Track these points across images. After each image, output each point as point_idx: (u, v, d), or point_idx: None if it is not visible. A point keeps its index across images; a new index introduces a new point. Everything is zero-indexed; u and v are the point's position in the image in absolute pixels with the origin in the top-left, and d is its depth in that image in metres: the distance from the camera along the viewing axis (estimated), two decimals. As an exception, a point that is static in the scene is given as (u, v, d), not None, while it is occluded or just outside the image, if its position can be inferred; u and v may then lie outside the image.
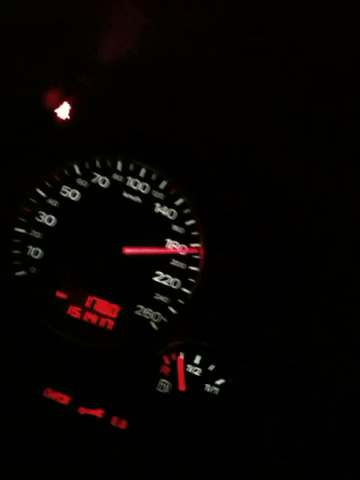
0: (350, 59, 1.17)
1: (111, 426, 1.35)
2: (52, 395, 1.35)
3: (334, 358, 1.49)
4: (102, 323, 1.45)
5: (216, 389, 1.46)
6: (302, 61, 1.22)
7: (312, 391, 1.47)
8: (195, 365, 1.46)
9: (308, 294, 1.53)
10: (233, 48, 1.27)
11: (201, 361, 1.46)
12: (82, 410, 1.36)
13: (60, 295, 1.44)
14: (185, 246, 1.51)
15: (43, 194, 1.46)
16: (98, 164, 1.50)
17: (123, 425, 1.37)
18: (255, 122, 1.42)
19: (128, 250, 1.46)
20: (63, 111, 1.50)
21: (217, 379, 1.46)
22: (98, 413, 1.36)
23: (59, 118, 1.49)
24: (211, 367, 1.46)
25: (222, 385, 1.46)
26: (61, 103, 1.49)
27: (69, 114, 1.50)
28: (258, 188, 1.52)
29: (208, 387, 1.45)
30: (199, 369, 1.46)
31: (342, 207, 1.46)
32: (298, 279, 1.53)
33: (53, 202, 1.46)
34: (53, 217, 1.46)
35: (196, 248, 1.50)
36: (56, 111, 1.49)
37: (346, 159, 1.39)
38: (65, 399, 1.35)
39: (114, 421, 1.37)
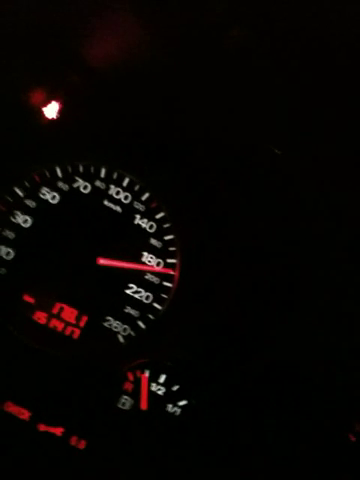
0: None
1: (70, 446, 1.31)
2: (13, 409, 1.30)
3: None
4: (68, 331, 1.41)
5: (178, 410, 1.42)
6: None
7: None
8: (159, 384, 1.43)
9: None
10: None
11: (165, 380, 1.43)
12: (42, 427, 1.31)
13: (27, 299, 1.40)
14: (161, 261, 1.48)
15: (21, 194, 1.42)
16: (81, 169, 1.46)
17: (82, 445, 1.33)
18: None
19: (102, 261, 1.42)
20: (50, 110, 1.46)
21: (180, 400, 1.43)
22: (57, 431, 1.31)
23: (46, 117, 1.45)
24: (175, 387, 1.43)
25: (184, 406, 1.43)
26: (49, 102, 1.46)
27: (56, 114, 1.46)
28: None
29: (170, 407, 1.42)
30: (163, 388, 1.43)
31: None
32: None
33: (30, 203, 1.42)
34: (29, 218, 1.42)
35: (171, 269, 1.47)
36: (43, 110, 1.45)
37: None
38: (25, 414, 1.30)
39: (73, 441, 1.33)
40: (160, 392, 1.42)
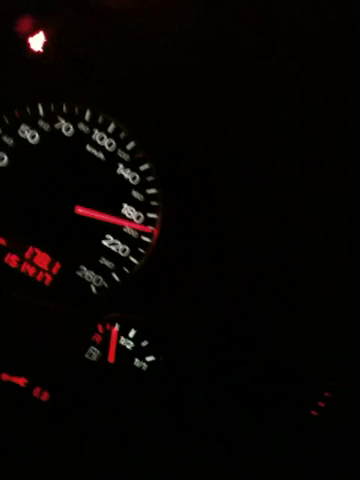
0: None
1: (33, 397, 1.30)
2: None
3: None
4: (39, 277, 1.37)
5: (145, 365, 1.42)
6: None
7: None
8: (128, 338, 1.41)
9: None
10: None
11: (135, 335, 1.42)
12: (4, 376, 1.29)
13: (0, 241, 1.34)
14: (141, 215, 1.43)
15: (-1, 129, 1.34)
16: (65, 109, 1.37)
17: (45, 397, 1.31)
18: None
19: (80, 210, 1.37)
20: (37, 42, 1.36)
21: (148, 356, 1.42)
22: (21, 381, 1.29)
23: (31, 49, 1.35)
24: (144, 343, 1.42)
25: (151, 362, 1.42)
26: (36, 32, 1.35)
27: (43, 47, 1.36)
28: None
29: (137, 362, 1.42)
30: (132, 343, 1.42)
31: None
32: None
33: (8, 140, 1.34)
34: (5, 156, 1.34)
35: (150, 226, 1.43)
36: (29, 41, 1.35)
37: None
38: None
39: (36, 392, 1.31)
40: (128, 346, 1.41)
